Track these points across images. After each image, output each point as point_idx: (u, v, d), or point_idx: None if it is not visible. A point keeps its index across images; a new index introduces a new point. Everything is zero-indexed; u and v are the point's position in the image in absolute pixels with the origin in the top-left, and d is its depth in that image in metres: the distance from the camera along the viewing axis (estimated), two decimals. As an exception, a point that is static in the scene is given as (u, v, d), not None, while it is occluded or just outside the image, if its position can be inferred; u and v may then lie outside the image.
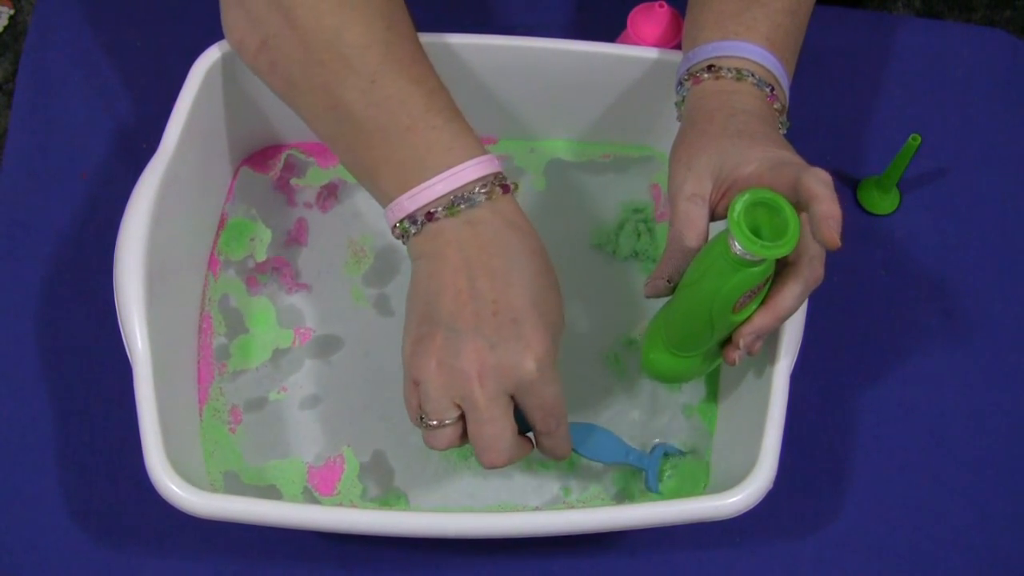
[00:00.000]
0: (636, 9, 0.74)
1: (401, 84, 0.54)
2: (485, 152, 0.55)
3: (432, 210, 0.53)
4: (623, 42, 0.74)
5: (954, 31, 0.87)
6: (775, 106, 0.59)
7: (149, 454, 0.55)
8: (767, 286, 0.55)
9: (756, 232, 0.51)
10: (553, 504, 0.67)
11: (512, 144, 0.77)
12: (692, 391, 0.70)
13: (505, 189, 0.55)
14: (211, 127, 0.67)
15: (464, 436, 0.55)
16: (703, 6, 0.63)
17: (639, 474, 0.68)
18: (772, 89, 0.59)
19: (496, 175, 0.55)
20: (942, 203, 0.79)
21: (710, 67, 0.59)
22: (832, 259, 0.75)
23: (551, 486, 0.67)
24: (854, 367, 0.73)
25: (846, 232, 0.76)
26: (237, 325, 0.70)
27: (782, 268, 0.55)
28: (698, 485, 0.67)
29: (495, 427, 0.53)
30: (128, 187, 0.60)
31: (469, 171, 0.53)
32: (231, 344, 0.69)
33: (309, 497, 0.66)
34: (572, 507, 0.67)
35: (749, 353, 0.57)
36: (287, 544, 0.66)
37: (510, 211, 0.55)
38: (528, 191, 0.76)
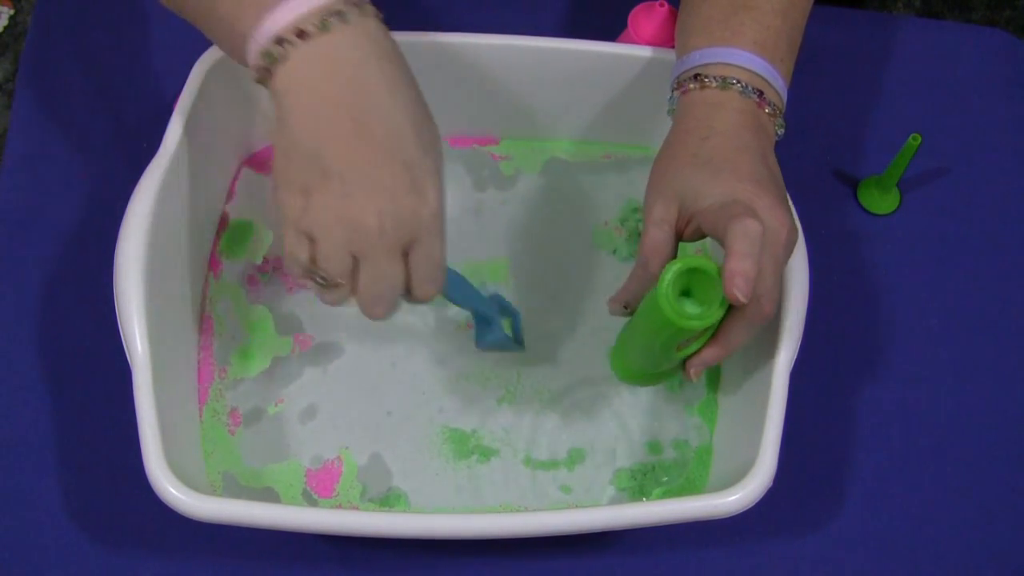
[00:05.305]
0: (636, 8, 0.74)
1: None
2: None
3: (303, 27, 0.49)
4: (623, 41, 0.74)
5: (954, 31, 0.87)
6: (766, 111, 0.59)
7: (148, 459, 0.55)
8: (715, 325, 0.57)
9: (690, 292, 0.55)
10: (553, 504, 0.67)
11: (513, 144, 0.77)
12: (692, 390, 0.70)
13: (376, 10, 0.52)
14: (212, 127, 0.67)
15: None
16: (692, 11, 0.63)
17: (640, 473, 0.68)
18: (762, 94, 0.59)
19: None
20: (942, 203, 0.79)
21: (696, 76, 0.59)
22: (832, 259, 0.76)
23: (551, 486, 0.67)
24: (854, 367, 0.73)
25: (846, 232, 0.77)
26: (237, 332, 0.70)
27: (731, 305, 0.55)
28: (698, 484, 0.67)
29: (391, 281, 0.52)
30: (128, 187, 0.60)
31: None
32: (231, 352, 0.69)
33: (308, 499, 0.66)
34: (572, 507, 0.67)
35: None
36: (287, 544, 0.66)
37: (381, 35, 0.52)
38: (528, 191, 0.76)
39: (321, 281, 0.53)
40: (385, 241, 0.51)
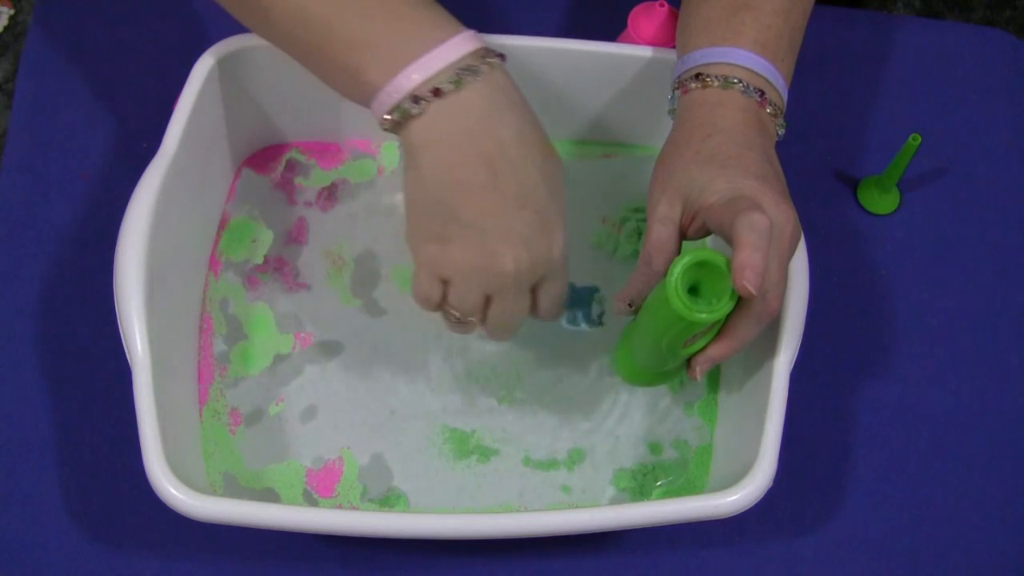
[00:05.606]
0: (636, 8, 0.74)
1: None
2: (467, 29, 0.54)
3: (439, 86, 0.52)
4: (623, 41, 0.74)
5: (954, 31, 0.87)
6: (767, 110, 0.59)
7: (149, 459, 0.55)
8: (720, 322, 0.56)
9: (698, 287, 0.55)
10: (553, 504, 0.67)
11: (512, 144, 0.77)
12: (692, 390, 0.70)
13: (501, 59, 0.54)
14: (212, 127, 0.67)
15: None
16: (692, 11, 0.63)
17: (640, 473, 0.68)
18: (763, 94, 0.59)
19: (487, 49, 0.54)
20: (942, 203, 0.79)
21: (697, 75, 0.60)
22: (832, 259, 0.76)
23: (551, 486, 0.67)
24: (854, 367, 0.73)
25: (846, 232, 0.77)
26: (237, 331, 0.70)
27: (738, 301, 0.55)
28: (698, 484, 0.67)
29: (521, 313, 0.57)
30: (129, 187, 0.60)
31: (467, 41, 0.52)
32: (231, 351, 0.69)
33: (309, 499, 0.66)
34: (572, 507, 0.67)
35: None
36: (288, 544, 0.66)
37: (508, 85, 0.54)
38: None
39: (453, 319, 0.57)
40: (518, 282, 0.55)
